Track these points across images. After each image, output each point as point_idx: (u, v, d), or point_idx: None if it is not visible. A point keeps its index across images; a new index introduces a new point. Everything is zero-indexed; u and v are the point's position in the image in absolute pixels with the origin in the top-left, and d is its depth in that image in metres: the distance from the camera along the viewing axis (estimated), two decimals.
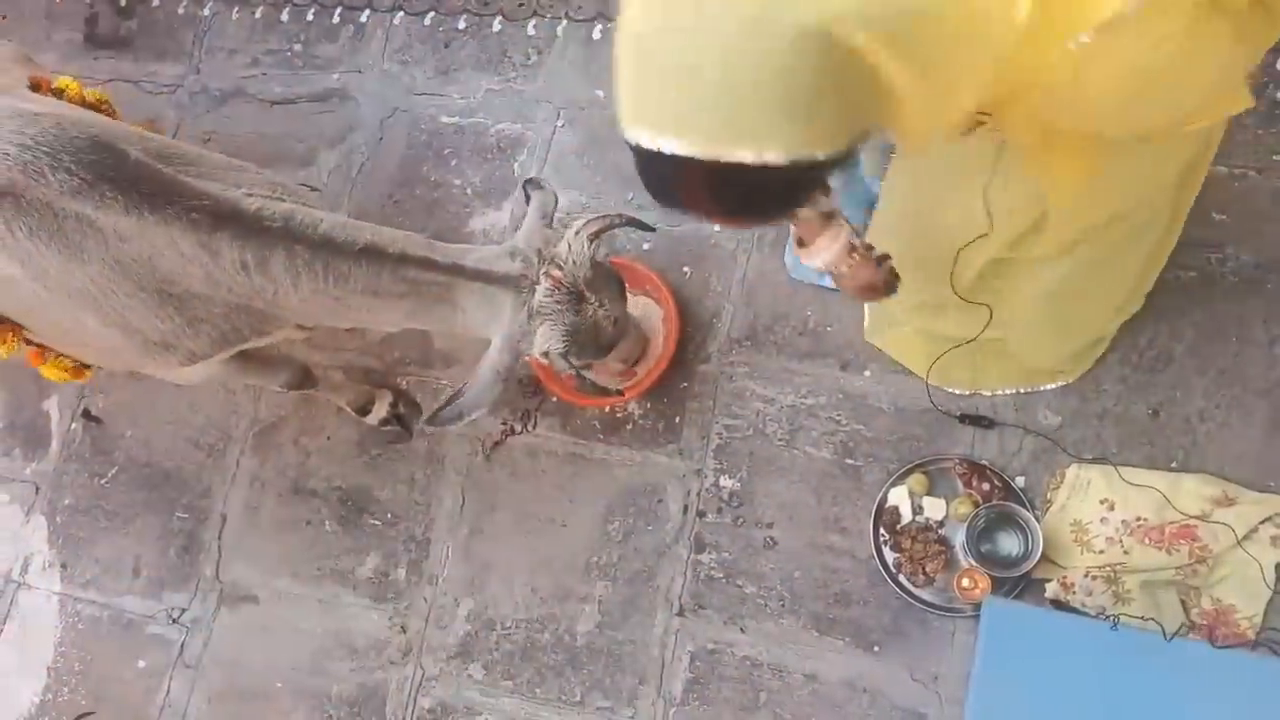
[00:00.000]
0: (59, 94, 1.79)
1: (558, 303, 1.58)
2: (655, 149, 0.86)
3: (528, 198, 1.72)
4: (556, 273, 1.58)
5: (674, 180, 0.90)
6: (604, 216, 1.67)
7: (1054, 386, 1.96)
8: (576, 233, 1.61)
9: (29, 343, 1.78)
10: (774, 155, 0.83)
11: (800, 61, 0.80)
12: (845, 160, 0.89)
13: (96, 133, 1.46)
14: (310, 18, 2.68)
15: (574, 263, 1.59)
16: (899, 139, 0.99)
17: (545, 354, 1.62)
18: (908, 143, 0.98)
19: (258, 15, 2.74)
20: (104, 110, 1.84)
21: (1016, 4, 0.83)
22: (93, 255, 1.46)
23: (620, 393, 2.06)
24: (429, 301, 1.60)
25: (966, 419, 1.97)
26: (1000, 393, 1.98)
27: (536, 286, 1.58)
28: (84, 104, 1.82)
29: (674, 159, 0.85)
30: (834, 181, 1.59)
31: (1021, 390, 1.97)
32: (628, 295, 1.80)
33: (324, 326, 1.91)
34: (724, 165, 0.84)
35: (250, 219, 1.49)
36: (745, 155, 0.83)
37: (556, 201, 1.72)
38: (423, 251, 1.57)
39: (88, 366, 1.89)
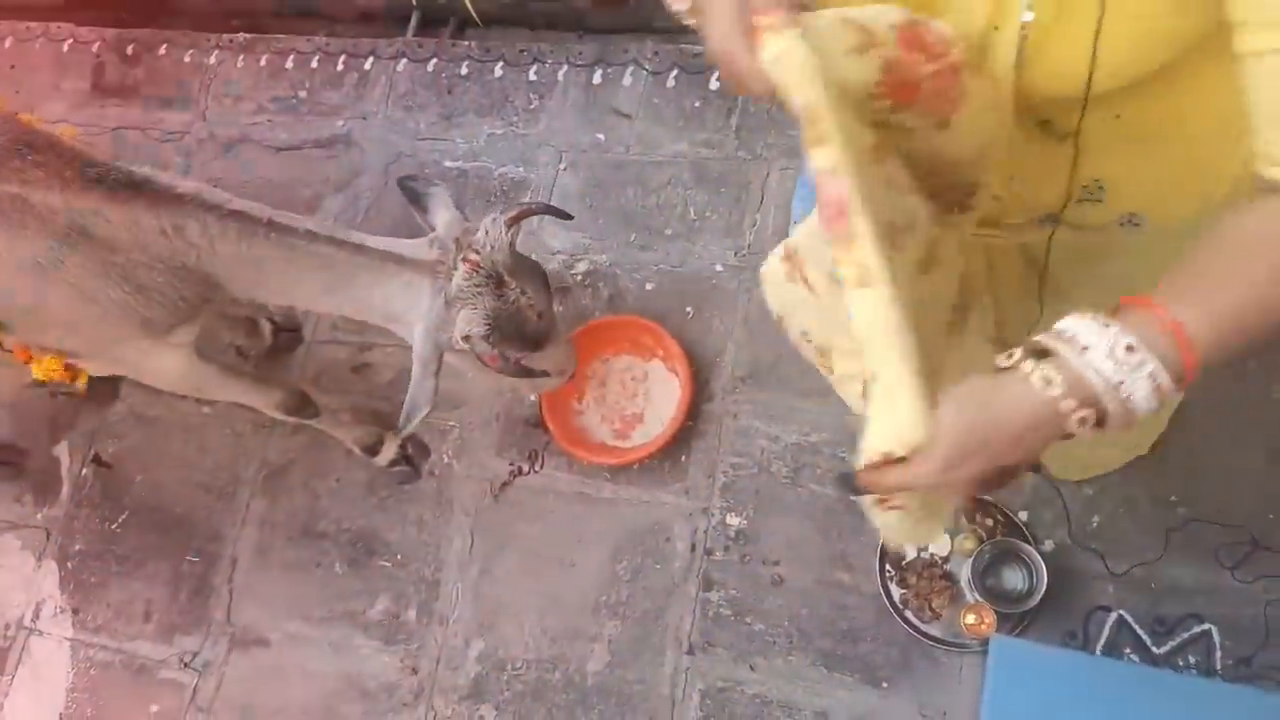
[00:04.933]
0: None
1: (476, 287, 1.59)
2: None
3: (411, 196, 1.71)
4: (474, 257, 1.59)
5: None
6: (522, 204, 1.69)
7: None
8: (494, 220, 1.63)
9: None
10: None
11: None
12: None
13: (4, 115, 1.61)
14: (315, 65, 2.73)
15: (491, 248, 1.60)
16: None
17: (467, 338, 1.62)
18: None
19: (263, 63, 2.78)
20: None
21: None
22: (34, 231, 1.56)
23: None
24: (343, 277, 1.64)
25: None
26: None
27: (453, 273, 1.59)
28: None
29: None
30: None
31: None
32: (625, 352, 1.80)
33: (287, 313, 2.06)
34: None
35: (162, 188, 1.60)
36: None
37: (449, 193, 1.73)
38: (330, 231, 1.65)
39: (78, 371, 1.94)
